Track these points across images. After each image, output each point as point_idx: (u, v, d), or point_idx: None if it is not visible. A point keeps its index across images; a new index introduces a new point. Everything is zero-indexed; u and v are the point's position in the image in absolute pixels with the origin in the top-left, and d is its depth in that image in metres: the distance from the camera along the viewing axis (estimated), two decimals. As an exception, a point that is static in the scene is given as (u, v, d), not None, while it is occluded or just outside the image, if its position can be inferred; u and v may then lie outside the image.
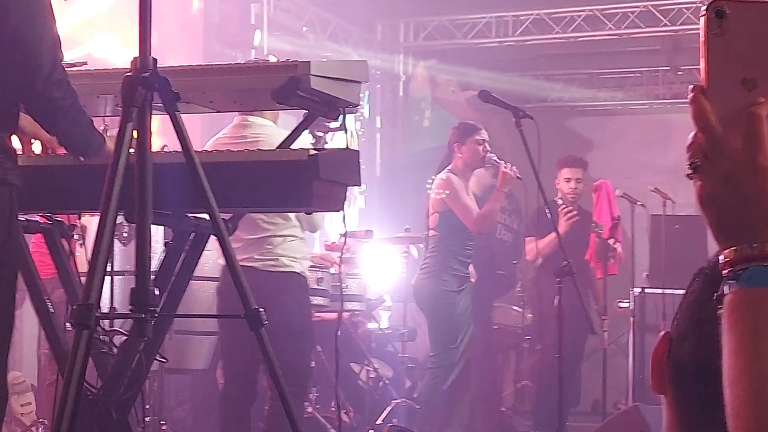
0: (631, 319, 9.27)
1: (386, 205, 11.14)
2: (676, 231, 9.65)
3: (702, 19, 1.15)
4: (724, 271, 1.15)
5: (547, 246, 7.79)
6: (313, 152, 3.57)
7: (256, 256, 5.67)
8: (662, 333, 1.38)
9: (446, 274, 7.21)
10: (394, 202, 10.75)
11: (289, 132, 4.13)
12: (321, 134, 5.98)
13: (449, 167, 7.22)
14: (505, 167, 7.05)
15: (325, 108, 3.82)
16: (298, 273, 5.80)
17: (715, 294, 1.17)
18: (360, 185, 3.78)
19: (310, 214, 5.28)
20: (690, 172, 1.16)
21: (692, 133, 1.16)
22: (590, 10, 11.91)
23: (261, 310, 3.17)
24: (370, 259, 8.50)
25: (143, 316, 2.95)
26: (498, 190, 7.10)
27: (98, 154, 3.56)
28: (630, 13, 11.89)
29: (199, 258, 3.89)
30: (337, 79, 3.77)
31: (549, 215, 6.41)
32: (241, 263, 5.47)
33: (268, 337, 5.30)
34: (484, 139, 7.24)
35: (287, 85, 3.59)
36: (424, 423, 7.31)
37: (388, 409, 7.95)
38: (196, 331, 6.78)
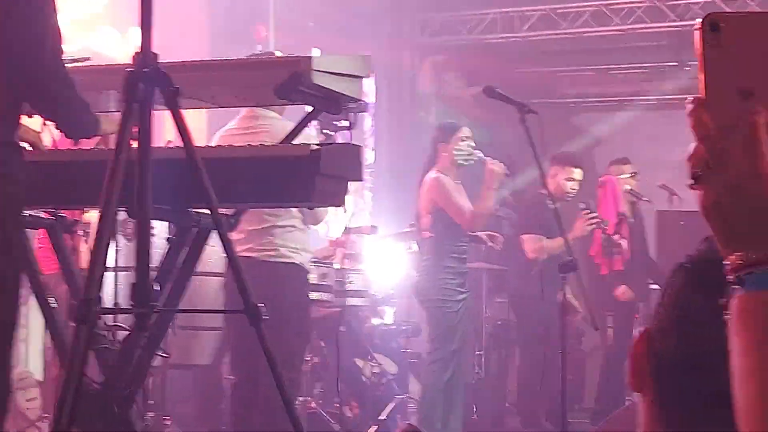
0: (636, 316, 9.25)
1: (393, 201, 11.14)
2: (681, 227, 9.65)
3: (697, 33, 1.17)
4: (730, 277, 1.15)
5: (558, 247, 7.77)
6: (315, 147, 3.58)
7: (256, 247, 5.72)
8: (641, 329, 1.39)
9: (445, 274, 7.19)
10: (401, 197, 10.74)
11: (294, 123, 4.14)
12: (331, 133, 6.04)
13: (436, 167, 7.20)
14: (492, 163, 7.05)
15: (327, 103, 3.83)
16: (297, 264, 5.83)
17: (720, 299, 1.17)
18: (362, 180, 3.80)
19: (312, 209, 5.29)
20: (692, 182, 1.17)
21: (692, 144, 1.17)
22: (596, 6, 11.92)
23: (260, 305, 3.16)
24: (376, 254, 8.50)
25: (143, 311, 2.96)
26: (487, 186, 7.08)
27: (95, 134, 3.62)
28: (636, 8, 11.88)
29: (201, 253, 3.90)
30: (339, 74, 3.78)
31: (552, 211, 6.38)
32: (242, 253, 5.56)
33: (265, 327, 5.37)
34: (467, 136, 7.25)
35: (289, 81, 3.60)
36: (426, 420, 7.30)
37: (391, 405, 7.96)
38: (200, 326, 6.78)
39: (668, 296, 1.39)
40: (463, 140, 7.23)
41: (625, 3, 11.91)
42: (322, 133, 5.94)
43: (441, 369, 7.20)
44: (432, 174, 7.17)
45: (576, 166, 8.36)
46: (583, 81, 13.76)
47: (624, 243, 8.86)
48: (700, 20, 1.17)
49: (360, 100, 4.09)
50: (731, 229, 1.16)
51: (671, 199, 9.63)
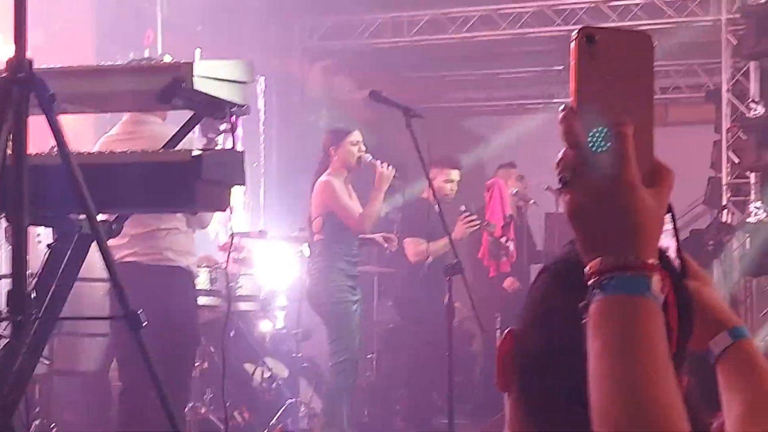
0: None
1: (283, 205, 11.12)
2: (569, 228, 9.76)
3: (572, 44, 1.21)
4: (590, 281, 1.19)
5: (441, 249, 7.84)
6: (196, 153, 3.57)
7: (141, 251, 5.69)
8: (507, 330, 1.42)
9: (337, 276, 7.22)
10: (291, 201, 10.73)
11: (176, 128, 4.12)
12: (212, 136, 6.02)
13: (328, 171, 7.25)
14: (381, 167, 7.11)
15: (210, 109, 3.82)
16: (182, 267, 5.81)
17: (580, 303, 1.21)
18: (245, 185, 3.78)
19: (195, 214, 5.27)
20: (560, 186, 1.20)
21: (562, 150, 1.21)
22: (485, 11, 12.03)
23: (139, 311, 3.15)
24: (265, 258, 8.48)
25: (19, 319, 2.93)
26: (376, 189, 7.14)
27: None
28: (524, 13, 12.03)
29: (83, 259, 3.85)
30: (221, 79, 3.77)
31: (435, 215, 6.44)
32: (127, 258, 5.57)
33: (152, 332, 5.33)
34: (358, 140, 7.31)
35: (170, 87, 3.58)
36: (330, 423, 7.29)
37: (282, 409, 7.94)
38: (85, 332, 6.71)
39: (532, 297, 1.43)
40: (353, 144, 7.28)
41: (513, 8, 12.05)
42: (205, 137, 5.95)
43: (344, 372, 7.20)
44: (323, 177, 7.21)
45: (453, 168, 8.45)
46: (472, 85, 13.88)
47: (511, 245, 8.97)
48: (576, 32, 1.21)
49: (243, 105, 4.08)
50: (594, 234, 1.19)
51: (558, 202, 9.75)
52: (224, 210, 3.76)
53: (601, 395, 1.14)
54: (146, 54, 9.89)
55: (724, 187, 11.37)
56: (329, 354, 7.31)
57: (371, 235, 7.72)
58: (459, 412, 9.19)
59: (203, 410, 7.47)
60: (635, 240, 1.19)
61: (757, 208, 11.08)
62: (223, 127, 6.07)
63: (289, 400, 8.10)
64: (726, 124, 11.45)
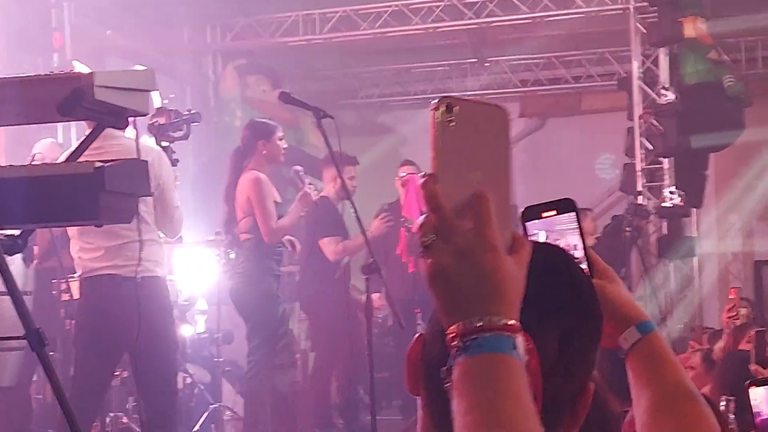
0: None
1: (199, 208, 11.01)
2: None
3: (432, 112, 1.21)
4: (452, 344, 1.18)
5: (357, 247, 7.83)
6: (98, 165, 3.52)
7: (119, 263, 5.62)
8: (417, 335, 1.42)
9: (266, 276, 7.14)
10: (207, 204, 10.64)
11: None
12: (166, 144, 6.00)
13: (251, 166, 7.13)
14: (308, 187, 7.08)
15: (111, 118, 3.78)
16: (159, 277, 5.78)
17: (442, 369, 1.22)
18: (150, 195, 3.75)
19: (100, 227, 5.20)
20: (421, 251, 1.20)
21: (422, 216, 1.21)
22: (396, 6, 12.03)
23: (40, 329, 3.10)
24: (183, 263, 8.39)
25: None
26: (297, 208, 7.11)
27: None
28: (435, 7, 12.05)
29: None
30: (122, 89, 3.73)
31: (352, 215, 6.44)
32: (104, 271, 5.59)
33: (140, 346, 5.35)
34: (283, 136, 7.26)
35: (71, 98, 3.55)
36: (251, 427, 7.25)
37: (205, 415, 7.89)
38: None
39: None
40: (280, 139, 7.20)
41: (424, 3, 12.07)
42: (159, 144, 5.92)
43: (267, 375, 7.14)
44: (251, 174, 7.07)
45: (355, 165, 8.46)
46: (386, 80, 13.89)
47: (430, 240, 8.97)
48: (435, 101, 1.22)
49: (146, 114, 4.05)
50: (455, 296, 1.19)
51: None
52: (129, 221, 3.73)
53: None
54: (55, 59, 9.78)
55: (639, 173, 11.50)
56: (250, 353, 7.23)
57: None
58: (389, 407, 9.25)
59: (125, 419, 7.39)
60: (498, 302, 1.19)
61: (671, 193, 11.23)
62: (176, 134, 6.06)
63: (212, 405, 8.05)
64: (638, 111, 11.58)
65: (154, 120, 6.13)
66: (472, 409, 1.15)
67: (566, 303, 1.40)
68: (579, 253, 1.64)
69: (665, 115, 11.23)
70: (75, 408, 3.41)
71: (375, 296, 8.50)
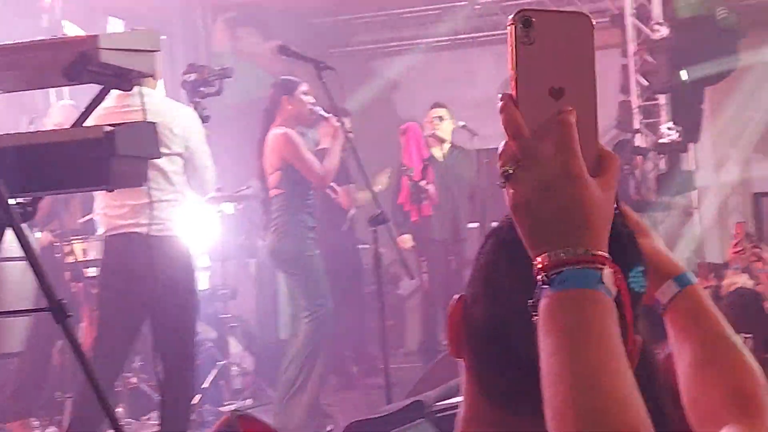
0: (450, 258, 9.37)
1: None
2: (486, 165, 9.80)
3: (509, 28, 1.15)
4: (538, 277, 1.14)
5: (366, 198, 7.77)
6: (108, 129, 3.49)
7: (142, 221, 5.60)
8: (457, 296, 1.39)
9: (301, 230, 7.02)
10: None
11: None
12: (198, 100, 5.97)
13: (278, 121, 7.03)
14: (336, 121, 6.94)
15: (118, 81, 3.74)
16: (180, 238, 5.78)
17: (529, 302, 1.17)
18: (160, 157, 3.71)
19: (111, 191, 5.17)
20: (502, 181, 1.16)
21: (503, 142, 1.16)
22: (387, -50, 11.93)
23: (64, 301, 3.08)
24: (185, 221, 8.34)
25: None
26: (334, 144, 6.94)
27: None
28: (425, -50, 11.95)
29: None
30: (128, 50, 3.69)
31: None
32: (129, 229, 5.59)
33: (158, 306, 5.36)
34: (308, 91, 7.07)
35: (77, 62, 3.52)
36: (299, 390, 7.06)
37: (214, 372, 7.89)
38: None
39: (478, 264, 1.39)
40: (305, 94, 7.03)
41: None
42: (191, 102, 5.88)
43: (322, 322, 7.00)
44: (278, 130, 6.96)
45: (345, 116, 8.35)
46: (378, 27, 13.78)
47: (431, 188, 8.95)
48: (512, 16, 1.15)
49: (152, 74, 4.01)
50: (540, 228, 1.15)
51: (472, 140, 9.74)
52: (142, 185, 3.70)
53: (557, 395, 1.10)
54: (45, 20, 9.67)
55: (635, 111, 11.46)
56: (302, 309, 7.05)
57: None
58: (394, 355, 9.28)
59: (134, 379, 7.40)
60: (584, 233, 1.14)
61: (668, 129, 11.21)
62: (208, 90, 6.03)
63: (220, 362, 8.05)
64: (632, 47, 11.52)
65: (186, 76, 6.13)
66: (555, 350, 1.11)
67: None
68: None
69: (659, 51, 11.19)
70: (99, 371, 3.40)
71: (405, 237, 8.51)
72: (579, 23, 1.18)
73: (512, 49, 1.15)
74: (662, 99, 11.49)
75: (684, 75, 10.94)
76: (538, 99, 1.15)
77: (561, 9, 1.19)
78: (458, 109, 10.08)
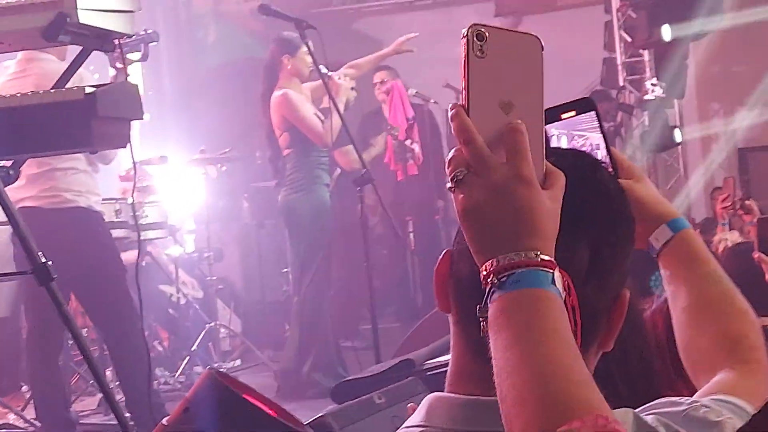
0: (436, 217, 9.37)
1: (182, 128, 10.91)
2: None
3: (463, 41, 1.19)
4: (488, 280, 1.16)
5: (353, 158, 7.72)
6: (89, 90, 3.45)
7: (39, 194, 5.45)
8: (444, 251, 1.39)
9: (317, 186, 6.97)
10: (189, 123, 10.53)
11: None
12: (120, 66, 5.82)
13: (280, 82, 6.95)
14: (339, 78, 6.86)
15: (97, 41, 3.69)
16: (84, 207, 5.55)
17: (478, 307, 1.18)
18: (142, 118, 3.67)
19: (95, 153, 5.10)
20: (451, 186, 1.18)
21: (454, 148, 1.18)
22: None
23: (49, 263, 3.04)
24: (168, 184, 8.32)
25: None
26: (335, 101, 6.83)
27: None
28: None
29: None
30: (107, 10, 3.64)
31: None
32: (26, 203, 5.32)
33: (79, 283, 5.15)
34: (309, 50, 6.95)
35: (55, 22, 3.48)
36: (309, 335, 7.01)
37: (203, 333, 7.89)
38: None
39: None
40: (307, 53, 6.92)
41: None
42: (114, 67, 5.75)
43: (324, 286, 6.96)
44: (278, 92, 6.91)
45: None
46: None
47: (416, 147, 8.93)
48: (466, 29, 1.19)
49: (132, 35, 3.95)
50: (489, 232, 1.16)
51: (457, 98, 9.68)
52: (125, 146, 3.66)
53: (515, 386, 1.11)
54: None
55: (619, 67, 11.42)
56: (304, 272, 6.96)
57: None
58: (381, 315, 9.27)
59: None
60: (534, 237, 1.16)
61: (653, 84, 11.17)
62: (132, 56, 5.88)
63: (208, 324, 8.05)
64: (615, 3, 11.47)
65: None
66: (511, 344, 1.13)
67: (594, 210, 1.37)
68: (602, 153, 1.62)
69: (643, 6, 11.13)
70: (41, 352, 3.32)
71: None
72: (529, 44, 1.22)
73: (465, 61, 1.19)
74: (646, 55, 11.45)
75: (666, 32, 10.86)
76: (488, 110, 1.19)
77: (513, 29, 1.23)
78: (442, 66, 10.01)
